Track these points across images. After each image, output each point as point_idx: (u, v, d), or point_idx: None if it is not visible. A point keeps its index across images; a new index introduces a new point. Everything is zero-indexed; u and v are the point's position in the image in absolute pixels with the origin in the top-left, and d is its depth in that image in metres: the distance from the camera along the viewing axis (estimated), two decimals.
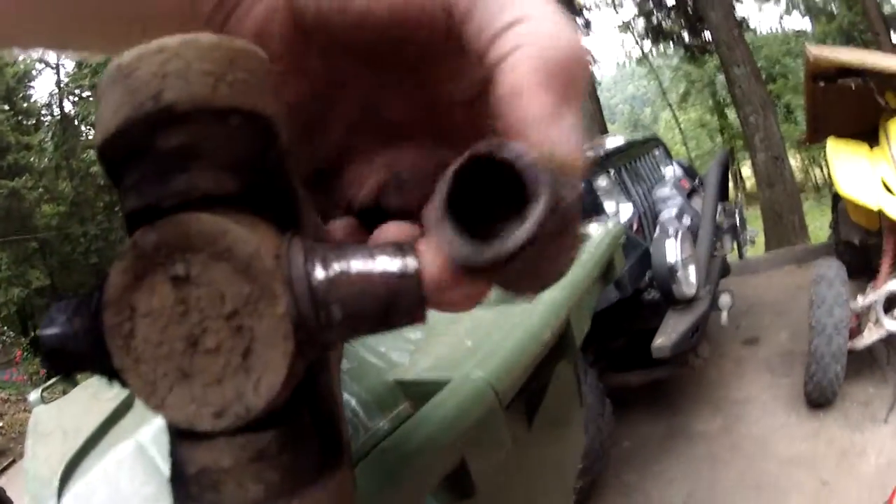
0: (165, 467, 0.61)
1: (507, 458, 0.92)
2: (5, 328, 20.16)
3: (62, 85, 27.78)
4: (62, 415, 1.24)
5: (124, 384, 0.21)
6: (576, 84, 0.24)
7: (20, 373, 16.34)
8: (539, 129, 0.23)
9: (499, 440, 0.61)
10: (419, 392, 0.62)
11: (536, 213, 0.20)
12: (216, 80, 0.19)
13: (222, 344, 0.19)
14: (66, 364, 0.22)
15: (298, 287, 0.19)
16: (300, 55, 0.28)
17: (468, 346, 0.71)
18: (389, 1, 0.25)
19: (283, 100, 0.23)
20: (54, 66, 28.03)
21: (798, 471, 2.81)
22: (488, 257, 0.20)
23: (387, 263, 0.21)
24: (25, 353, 17.40)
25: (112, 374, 0.20)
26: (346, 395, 0.65)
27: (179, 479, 0.21)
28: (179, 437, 0.20)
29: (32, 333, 26.90)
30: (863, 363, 3.24)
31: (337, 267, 0.20)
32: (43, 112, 29.67)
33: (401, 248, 0.22)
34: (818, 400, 3.08)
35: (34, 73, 28.23)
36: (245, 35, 0.26)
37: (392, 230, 0.28)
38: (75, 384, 1.97)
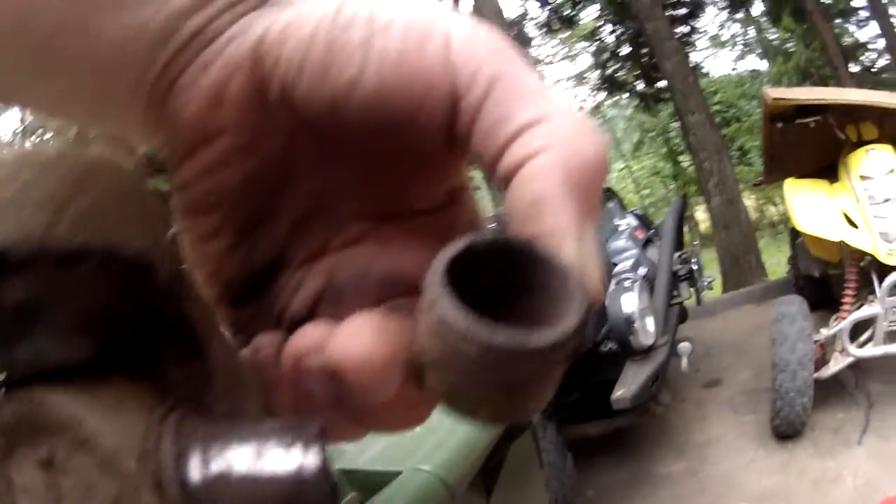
0: None
1: None
2: None
3: (26, 123, 27.44)
4: None
5: None
6: (598, 194, 0.23)
7: None
8: (566, 243, 0.21)
9: None
10: (367, 483, 0.61)
11: (577, 308, 0.19)
12: (56, 213, 0.15)
13: None
14: None
15: (170, 493, 0.17)
16: (256, 130, 0.24)
17: (416, 433, 0.70)
18: (383, 76, 0.21)
19: (156, 220, 0.20)
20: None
21: None
22: (544, 342, 0.18)
23: (278, 461, 0.18)
24: None
25: None
26: None
27: None
28: None
29: None
30: (829, 391, 3.28)
31: (216, 467, 0.17)
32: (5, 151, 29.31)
33: (301, 432, 0.18)
34: (786, 432, 3.09)
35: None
36: (194, 100, 0.23)
37: (309, 335, 0.24)
38: None
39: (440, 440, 0.65)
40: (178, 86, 0.23)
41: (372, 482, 0.60)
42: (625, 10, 12.09)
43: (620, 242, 3.47)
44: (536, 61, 17.45)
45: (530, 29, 16.80)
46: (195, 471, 0.17)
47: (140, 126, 0.24)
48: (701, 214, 18.32)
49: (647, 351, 2.76)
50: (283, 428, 0.18)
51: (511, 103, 0.22)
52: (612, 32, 16.26)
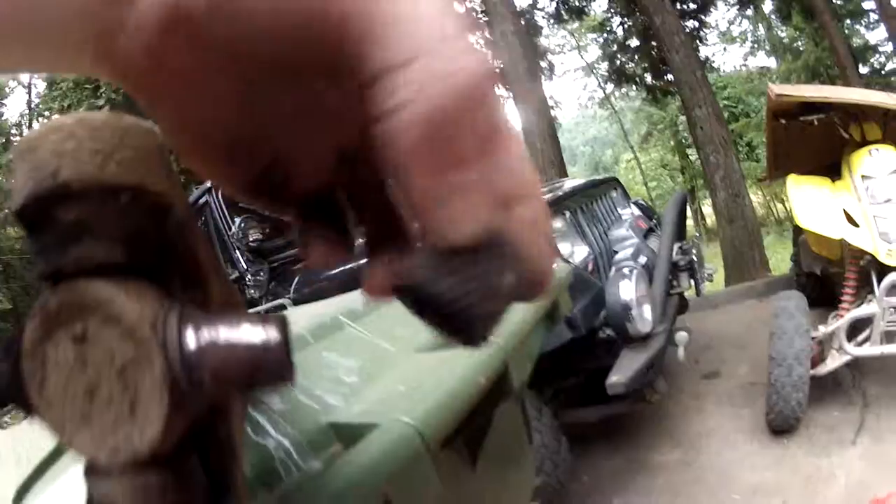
0: None
1: (454, 496, 0.95)
2: None
3: (33, 106, 27.51)
4: (17, 442, 1.24)
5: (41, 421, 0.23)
6: (475, 134, 0.22)
7: None
8: (426, 215, 0.23)
9: (426, 484, 0.63)
10: (350, 434, 0.64)
11: None
12: (104, 159, 0.21)
13: (113, 396, 0.21)
14: None
15: (171, 353, 0.21)
16: (203, 61, 0.24)
17: (400, 391, 0.73)
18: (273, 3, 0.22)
19: (175, 176, 0.24)
20: (26, 85, 27.76)
21: (762, 498, 2.82)
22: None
23: (252, 334, 0.23)
24: None
25: (32, 412, 0.23)
26: (279, 436, 0.67)
27: None
28: (87, 469, 0.23)
29: None
30: (826, 389, 3.31)
31: (206, 336, 0.22)
32: (13, 132, 29.33)
33: (269, 319, 0.23)
34: (781, 427, 3.12)
35: (7, 91, 27.93)
36: (143, 37, 0.23)
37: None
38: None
39: (421, 396, 0.68)
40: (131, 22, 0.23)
41: (354, 434, 0.63)
42: (634, 2, 12.08)
43: (622, 231, 3.50)
44: (546, 51, 17.44)
45: (540, 19, 16.74)
46: (191, 338, 0.22)
47: (92, 71, 0.25)
48: (708, 208, 18.39)
49: (644, 338, 2.78)
50: (256, 317, 0.23)
51: (390, 36, 0.22)
52: (621, 25, 16.23)
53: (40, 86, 26.14)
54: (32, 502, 0.68)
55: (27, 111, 27.70)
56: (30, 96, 27.67)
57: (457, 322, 0.24)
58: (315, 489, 0.55)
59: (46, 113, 24.10)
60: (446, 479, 0.93)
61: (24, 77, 26.91)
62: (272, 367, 0.23)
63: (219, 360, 0.22)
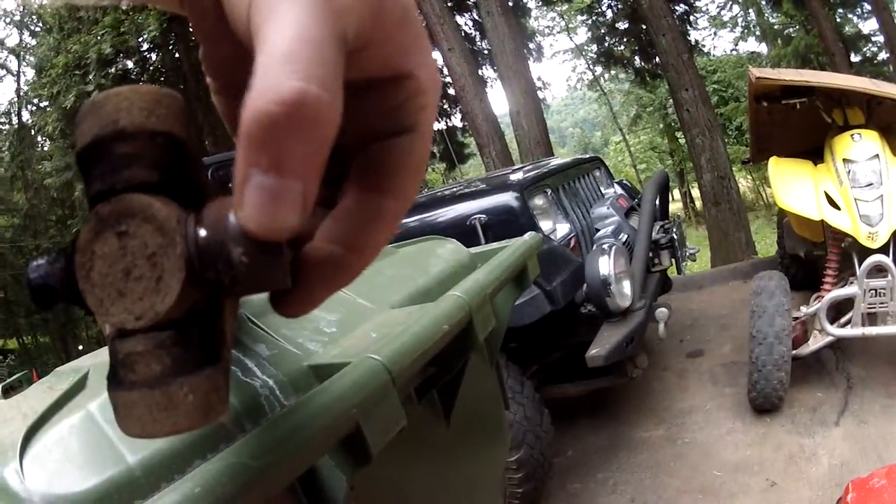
0: (111, 430, 0.71)
1: (429, 449, 1.03)
2: None
3: (21, 93, 27.35)
4: (21, 405, 1.31)
5: (84, 305, 0.32)
6: (275, 143, 0.25)
7: None
8: (236, 191, 0.27)
9: (393, 414, 0.72)
10: (326, 373, 0.72)
11: None
12: (148, 114, 0.31)
13: (144, 274, 0.31)
14: (47, 296, 0.34)
15: (189, 239, 0.30)
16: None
17: (372, 337, 0.82)
18: None
19: (192, 128, 0.33)
20: (14, 73, 27.55)
21: (744, 475, 2.89)
22: None
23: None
24: None
25: (76, 298, 0.32)
26: (265, 378, 0.75)
27: (112, 369, 0.33)
28: (115, 336, 0.32)
29: None
30: (810, 370, 3.40)
31: (214, 229, 0.31)
32: (1, 120, 29.16)
33: None
34: (763, 406, 3.18)
35: None
36: None
37: None
38: (30, 382, 2.02)
39: (389, 340, 0.77)
40: None
41: (330, 372, 0.72)
42: None
43: (603, 209, 3.56)
44: (534, 32, 17.42)
45: (529, 0, 16.72)
46: (203, 231, 0.31)
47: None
48: (696, 191, 18.50)
49: (624, 314, 2.85)
50: None
51: (258, 25, 0.27)
52: (609, 7, 16.23)
53: (29, 74, 26.09)
54: (39, 443, 0.75)
55: (16, 99, 27.61)
56: (18, 84, 27.55)
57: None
58: (293, 413, 0.63)
59: (35, 100, 24.04)
60: (421, 432, 1.02)
61: (13, 65, 26.67)
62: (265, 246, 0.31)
63: (222, 236, 0.31)
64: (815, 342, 3.12)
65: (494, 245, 1.35)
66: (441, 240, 1.34)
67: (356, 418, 0.65)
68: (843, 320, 3.07)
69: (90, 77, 15.39)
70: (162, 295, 0.30)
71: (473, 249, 1.32)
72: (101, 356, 1.41)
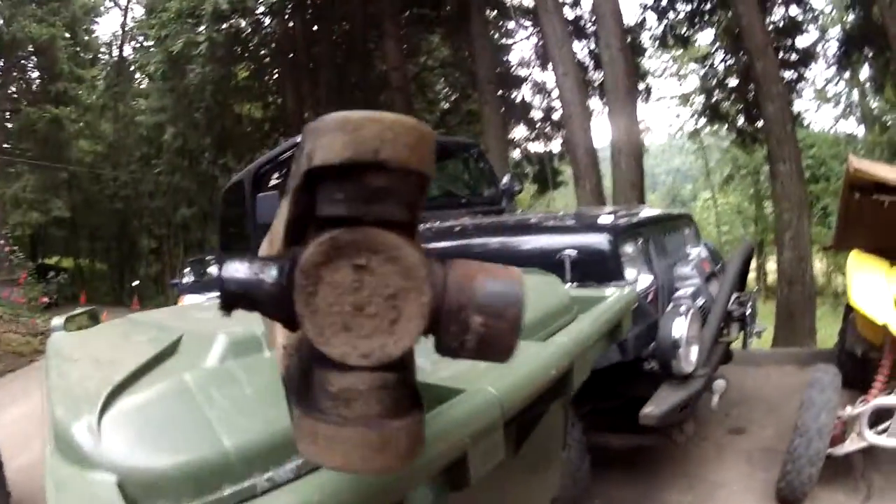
0: (207, 405, 0.70)
1: (495, 476, 1.02)
2: (16, 248, 20.30)
3: (126, 28, 28.11)
4: (89, 345, 1.29)
5: (294, 326, 0.32)
6: None
7: (20, 294, 16.37)
8: None
9: (497, 446, 0.72)
10: (437, 394, 0.72)
11: None
12: (415, 154, 0.31)
13: (379, 313, 0.31)
14: (240, 303, 0.34)
15: (437, 292, 0.30)
16: None
17: (482, 367, 0.82)
18: None
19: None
20: (122, 7, 28.37)
21: None
22: None
23: (501, 287, 0.31)
24: (30, 277, 17.47)
25: (286, 317, 0.32)
26: None
27: (314, 395, 0.33)
28: (327, 365, 0.32)
29: (40, 260, 27.08)
30: (838, 470, 3.28)
31: (462, 283, 0.31)
32: (102, 50, 29.94)
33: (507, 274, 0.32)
34: (788, 498, 3.10)
35: (102, 9, 28.58)
36: None
37: None
38: (97, 321, 2.05)
39: (503, 373, 0.77)
40: None
41: (439, 394, 0.72)
42: (739, 42, 11.93)
43: (686, 269, 3.50)
44: (646, 73, 17.28)
45: (645, 40, 16.58)
46: (452, 283, 0.30)
47: None
48: (772, 265, 18.08)
49: (685, 378, 2.81)
50: (502, 271, 0.36)
51: None
52: (723, 61, 15.98)
53: (137, 11, 26.75)
54: (122, 404, 0.74)
55: (120, 32, 28.38)
56: (125, 19, 28.32)
57: None
58: None
59: (140, 38, 24.59)
60: None
61: None
62: (504, 322, 0.31)
63: (468, 300, 0.30)
64: (851, 444, 3.05)
65: (592, 292, 1.35)
66: (544, 274, 1.34)
67: (465, 447, 0.65)
68: (880, 427, 3.00)
69: (202, 28, 15.65)
70: (396, 338, 0.30)
71: (573, 291, 1.31)
72: (182, 317, 1.41)
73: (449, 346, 0.32)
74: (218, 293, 0.33)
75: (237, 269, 0.33)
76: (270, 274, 0.32)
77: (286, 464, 0.66)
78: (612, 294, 1.27)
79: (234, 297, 0.33)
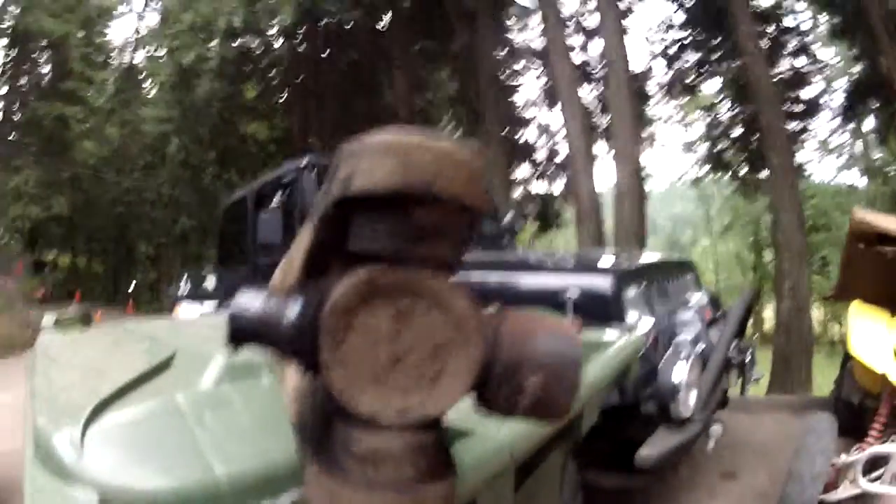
0: (199, 429, 0.66)
1: None
2: (13, 239, 20.35)
3: (139, 35, 28.24)
4: (79, 350, 1.27)
5: (313, 370, 0.27)
6: None
7: (14, 285, 16.44)
8: None
9: (506, 494, 0.68)
10: (447, 438, 0.69)
11: None
12: (471, 188, 0.26)
13: (421, 366, 0.26)
14: (250, 340, 0.29)
15: (487, 344, 0.26)
16: None
17: None
18: None
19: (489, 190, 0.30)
20: (139, 14, 28.54)
21: None
22: None
23: (559, 344, 0.27)
24: (25, 271, 17.50)
25: (305, 361, 0.27)
26: None
27: (334, 452, 0.28)
28: (353, 420, 0.27)
29: (37, 255, 27.00)
30: None
31: (520, 340, 0.27)
32: (113, 54, 30.08)
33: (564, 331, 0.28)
34: None
35: (116, 12, 28.74)
36: None
37: None
38: (89, 323, 2.01)
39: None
40: None
41: (449, 438, 0.68)
42: (745, 92, 12.03)
43: (687, 315, 3.50)
44: (651, 120, 17.42)
45: (652, 87, 16.74)
46: (506, 337, 0.26)
47: None
48: (768, 313, 18.07)
49: (683, 422, 2.80)
50: (559, 329, 0.28)
51: None
52: (728, 110, 16.11)
53: (152, 19, 26.90)
54: (108, 419, 0.70)
55: (132, 39, 28.49)
56: (139, 24, 28.44)
57: None
58: None
59: (153, 45, 24.73)
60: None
61: (137, 4, 27.56)
62: (563, 383, 0.27)
63: (524, 358, 0.26)
64: (844, 491, 3.01)
65: (600, 336, 1.32)
66: (553, 315, 1.31)
67: (474, 496, 0.61)
68: (873, 475, 2.98)
69: (213, 44, 15.76)
70: (438, 396, 0.25)
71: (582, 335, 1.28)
72: (177, 332, 1.38)
73: (498, 406, 0.28)
74: (227, 325, 0.28)
75: (250, 302, 0.28)
76: (291, 311, 0.27)
77: (280, 496, 0.62)
78: (621, 339, 1.24)
79: (245, 334, 0.29)
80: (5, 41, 23.89)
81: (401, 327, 0.24)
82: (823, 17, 14.84)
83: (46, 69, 26.07)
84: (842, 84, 15.99)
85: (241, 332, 0.27)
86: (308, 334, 0.26)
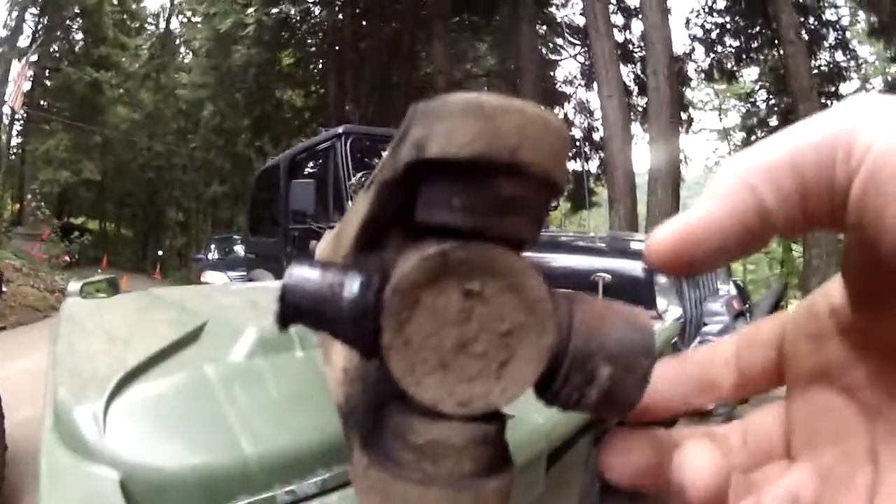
0: (228, 405, 0.64)
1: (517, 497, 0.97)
2: (43, 204, 20.47)
3: (175, 1, 28.30)
4: (104, 317, 1.23)
5: (370, 354, 0.25)
6: None
7: (42, 250, 16.54)
8: None
9: (537, 482, 0.66)
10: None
11: None
12: (558, 160, 0.23)
13: (488, 352, 0.24)
14: (303, 319, 0.26)
15: (563, 330, 0.24)
16: None
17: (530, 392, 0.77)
18: None
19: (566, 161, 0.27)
20: None
21: None
22: None
23: (638, 334, 0.25)
24: (53, 235, 17.59)
25: (367, 344, 0.25)
26: None
27: (386, 442, 0.26)
28: (411, 409, 0.25)
29: (66, 219, 27.28)
30: None
31: (593, 325, 0.25)
32: (149, 20, 30.21)
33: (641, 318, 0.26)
34: None
35: None
36: None
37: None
38: (116, 290, 2.01)
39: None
40: None
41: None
42: (782, 83, 11.83)
43: (716, 306, 3.46)
44: (689, 104, 17.18)
45: (691, 71, 16.49)
46: (579, 322, 0.23)
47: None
48: (792, 307, 17.86)
49: (705, 414, 2.77)
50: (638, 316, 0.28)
51: None
52: (765, 101, 15.87)
53: None
54: (134, 391, 0.68)
55: (168, 4, 28.55)
56: None
57: None
58: None
59: (188, 12, 24.73)
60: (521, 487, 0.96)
61: None
62: (635, 376, 0.25)
63: (597, 347, 0.25)
64: None
65: None
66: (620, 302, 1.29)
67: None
68: None
69: (251, 10, 15.69)
70: (504, 385, 0.23)
71: None
72: (208, 300, 1.35)
73: (563, 398, 0.25)
74: (278, 301, 0.26)
75: (307, 277, 0.26)
76: (351, 288, 0.25)
77: (310, 477, 0.60)
78: (657, 325, 1.22)
79: (299, 312, 0.26)
80: (36, 10, 23.98)
81: (471, 309, 0.22)
82: (862, 15, 14.56)
83: (79, 36, 26.19)
84: (878, 82, 15.74)
85: (297, 309, 0.25)
86: (369, 314, 0.23)
